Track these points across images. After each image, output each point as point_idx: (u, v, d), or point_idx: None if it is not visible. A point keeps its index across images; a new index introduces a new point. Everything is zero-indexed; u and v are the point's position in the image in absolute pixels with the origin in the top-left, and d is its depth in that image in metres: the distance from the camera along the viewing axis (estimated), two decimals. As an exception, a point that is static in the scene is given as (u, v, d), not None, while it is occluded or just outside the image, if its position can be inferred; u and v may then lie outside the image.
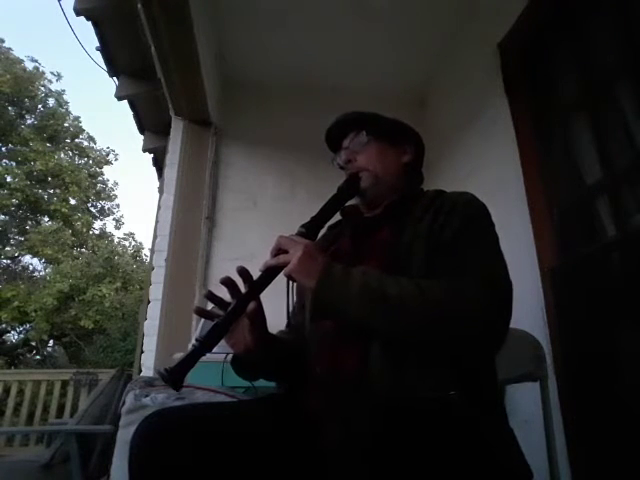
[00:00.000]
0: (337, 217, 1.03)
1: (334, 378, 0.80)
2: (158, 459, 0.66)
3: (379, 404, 0.72)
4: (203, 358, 0.76)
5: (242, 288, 0.80)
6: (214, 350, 0.76)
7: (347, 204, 1.01)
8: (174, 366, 0.73)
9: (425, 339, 0.74)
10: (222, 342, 0.78)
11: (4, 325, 9.22)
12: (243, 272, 0.78)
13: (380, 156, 0.99)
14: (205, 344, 0.75)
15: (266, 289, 0.81)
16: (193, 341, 0.76)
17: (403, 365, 0.74)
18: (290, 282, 0.89)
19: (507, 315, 0.75)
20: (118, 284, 9.07)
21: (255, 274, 0.80)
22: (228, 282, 0.78)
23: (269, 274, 0.80)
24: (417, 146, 1.05)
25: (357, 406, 0.74)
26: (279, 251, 0.79)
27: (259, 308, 0.81)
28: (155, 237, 2.62)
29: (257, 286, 0.79)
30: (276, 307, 0.92)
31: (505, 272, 0.79)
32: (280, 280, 0.83)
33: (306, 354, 0.89)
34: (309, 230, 0.85)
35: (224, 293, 0.81)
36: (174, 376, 0.72)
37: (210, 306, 0.82)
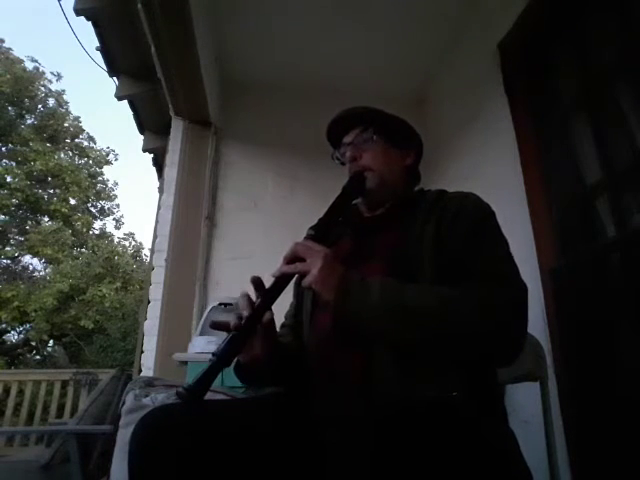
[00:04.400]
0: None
1: (336, 380, 0.80)
2: (157, 456, 0.66)
3: (381, 406, 0.72)
4: (203, 358, 0.75)
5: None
6: (212, 350, 0.76)
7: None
8: (193, 384, 0.71)
9: (445, 349, 0.73)
10: (219, 343, 0.78)
11: (4, 325, 9.21)
12: (257, 282, 0.78)
13: (385, 157, 0.98)
14: (223, 359, 0.73)
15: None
16: (210, 356, 0.75)
17: (406, 367, 0.74)
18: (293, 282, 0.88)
19: (525, 318, 0.74)
20: (118, 284, 9.08)
21: (258, 273, 0.79)
22: (247, 297, 0.78)
23: (283, 282, 0.78)
24: (418, 149, 1.05)
25: (359, 408, 0.74)
26: (295, 259, 0.77)
27: (272, 321, 0.81)
28: (155, 237, 2.62)
29: (271, 295, 0.78)
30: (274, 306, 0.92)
31: (518, 275, 0.79)
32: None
33: (306, 355, 0.89)
34: (318, 232, 0.84)
35: (223, 292, 0.81)
36: (194, 395, 0.71)
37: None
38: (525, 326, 0.74)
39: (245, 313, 0.77)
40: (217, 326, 0.79)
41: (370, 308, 0.72)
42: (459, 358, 0.74)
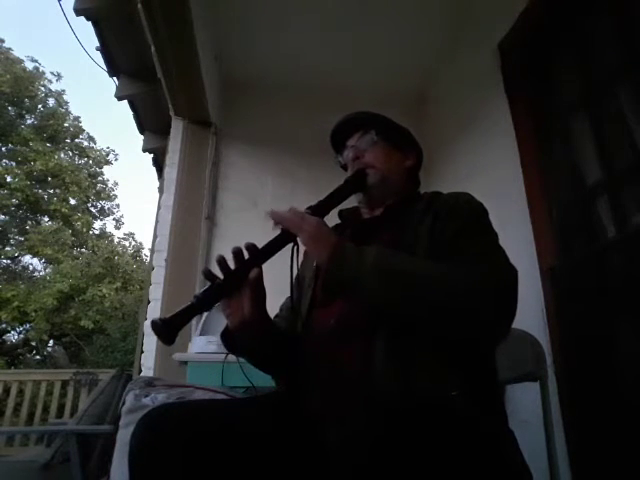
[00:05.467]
0: (336, 220, 1.04)
1: (335, 376, 0.80)
2: (157, 456, 0.66)
3: (380, 404, 0.72)
4: (203, 358, 0.75)
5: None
6: (212, 350, 0.76)
7: (345, 207, 1.01)
8: (169, 317, 0.70)
9: (432, 321, 0.73)
10: (219, 343, 0.77)
11: (4, 325, 9.22)
12: (248, 246, 0.78)
13: (387, 157, 1.01)
14: (203, 301, 0.73)
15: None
16: (192, 298, 0.74)
17: (407, 364, 0.74)
18: (293, 258, 0.87)
19: (513, 300, 0.74)
20: (118, 284, 9.09)
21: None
22: (237, 251, 0.78)
23: (276, 243, 0.79)
24: (418, 154, 1.08)
25: (359, 405, 0.74)
26: (285, 221, 0.79)
27: (261, 278, 0.80)
28: (155, 237, 2.62)
29: (262, 253, 0.79)
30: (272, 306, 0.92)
31: (508, 260, 0.80)
32: (275, 277, 0.82)
33: (305, 351, 0.88)
34: (315, 213, 0.85)
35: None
36: (168, 327, 0.70)
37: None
38: (513, 308, 0.74)
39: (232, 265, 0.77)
40: (208, 275, 0.77)
41: (364, 267, 0.73)
42: (446, 334, 0.74)
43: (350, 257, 0.75)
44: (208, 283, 0.77)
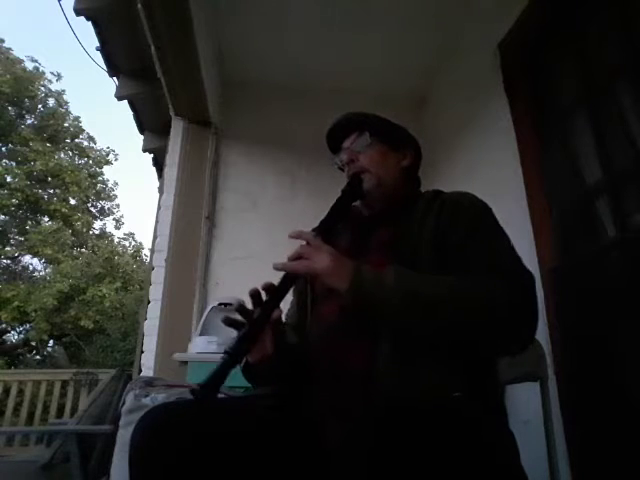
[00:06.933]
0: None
1: (338, 375, 0.80)
2: (157, 455, 0.66)
3: (383, 402, 0.72)
4: (203, 358, 0.75)
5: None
6: (212, 350, 0.76)
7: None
8: (206, 381, 0.71)
9: (461, 336, 0.73)
10: (219, 342, 0.78)
11: (4, 325, 9.21)
12: (267, 287, 0.78)
13: (382, 158, 1.00)
14: (235, 356, 0.73)
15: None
16: (222, 354, 0.74)
17: (411, 364, 0.74)
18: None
19: (534, 304, 0.75)
20: (118, 284, 9.09)
21: (258, 273, 0.79)
22: (255, 293, 0.78)
23: (291, 280, 0.80)
24: (416, 152, 1.06)
25: (360, 404, 0.74)
26: (299, 257, 0.78)
27: (280, 317, 0.81)
28: (155, 237, 2.62)
29: (280, 293, 0.79)
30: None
31: (523, 264, 0.79)
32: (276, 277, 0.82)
33: (308, 351, 0.88)
34: (320, 233, 0.84)
35: (223, 292, 0.80)
36: (207, 391, 0.70)
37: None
38: (536, 311, 0.75)
39: (256, 311, 0.77)
40: (230, 322, 0.78)
41: (386, 291, 0.73)
42: (473, 350, 0.75)
43: (370, 282, 0.74)
44: (209, 284, 0.77)
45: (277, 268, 0.77)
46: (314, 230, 0.86)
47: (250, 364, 0.85)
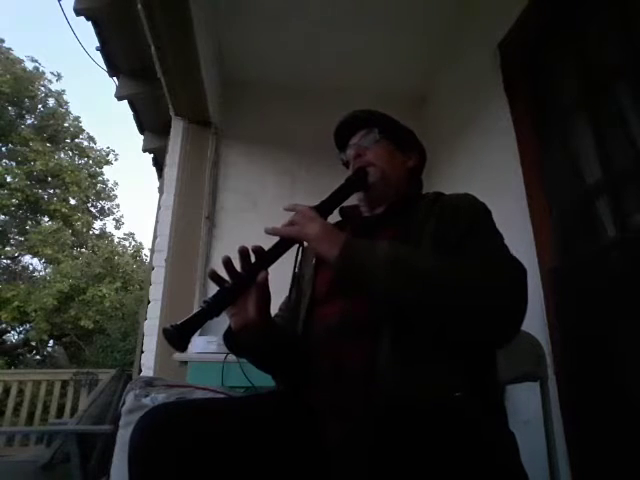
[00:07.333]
0: (337, 218, 1.04)
1: (338, 374, 0.80)
2: (157, 455, 0.66)
3: (383, 401, 0.72)
4: (203, 358, 0.75)
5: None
6: (212, 350, 0.76)
7: (346, 205, 1.01)
8: (180, 323, 0.70)
9: (443, 317, 0.72)
10: (219, 343, 0.78)
11: (4, 325, 9.21)
12: (257, 250, 0.78)
13: (388, 155, 1.01)
14: (214, 306, 0.73)
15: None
16: (201, 303, 0.74)
17: (411, 364, 0.74)
18: (297, 259, 0.88)
19: (524, 298, 0.74)
20: (118, 284, 9.08)
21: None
22: (244, 252, 0.77)
23: (282, 246, 0.80)
24: (421, 155, 1.08)
25: (362, 404, 0.74)
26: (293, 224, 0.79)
27: (267, 281, 0.80)
28: (155, 237, 2.62)
29: (269, 257, 0.79)
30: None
31: (516, 259, 0.79)
32: (275, 278, 0.82)
33: (307, 348, 0.88)
34: (318, 213, 0.84)
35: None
36: (180, 334, 0.69)
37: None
38: (524, 306, 0.73)
39: (240, 268, 0.77)
40: (215, 278, 0.77)
41: (376, 260, 0.72)
42: (455, 332, 0.73)
43: (361, 249, 0.75)
44: (209, 283, 0.77)
45: (268, 231, 0.78)
46: (311, 208, 0.86)
47: (232, 331, 0.83)
